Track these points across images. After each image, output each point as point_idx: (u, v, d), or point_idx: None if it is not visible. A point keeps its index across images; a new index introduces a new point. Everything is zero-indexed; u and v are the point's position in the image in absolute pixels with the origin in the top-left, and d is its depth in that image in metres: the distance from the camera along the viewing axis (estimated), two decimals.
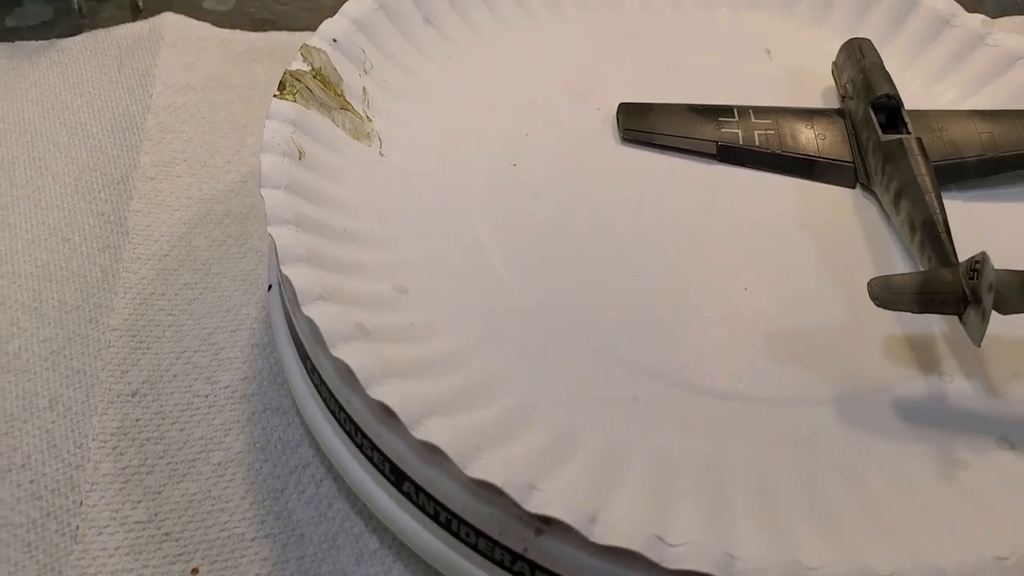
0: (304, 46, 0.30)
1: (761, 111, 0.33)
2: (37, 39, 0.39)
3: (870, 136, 0.31)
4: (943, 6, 0.37)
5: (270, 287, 0.28)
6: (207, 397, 0.27)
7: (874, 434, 0.24)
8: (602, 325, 0.26)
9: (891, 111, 0.31)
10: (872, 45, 0.34)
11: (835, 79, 0.35)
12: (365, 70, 0.31)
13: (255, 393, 0.27)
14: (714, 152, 0.31)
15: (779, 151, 0.31)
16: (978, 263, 0.24)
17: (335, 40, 0.31)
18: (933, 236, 0.27)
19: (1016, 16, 0.46)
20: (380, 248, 0.26)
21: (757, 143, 0.31)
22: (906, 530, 0.21)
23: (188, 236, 0.31)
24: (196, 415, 0.26)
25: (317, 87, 0.30)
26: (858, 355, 0.26)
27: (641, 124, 0.32)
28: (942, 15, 0.36)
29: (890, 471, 0.23)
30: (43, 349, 0.27)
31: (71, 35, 0.40)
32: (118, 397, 0.26)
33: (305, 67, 0.30)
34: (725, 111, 0.32)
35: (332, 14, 0.43)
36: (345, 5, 0.32)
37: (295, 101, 0.29)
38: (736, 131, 0.32)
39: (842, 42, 0.35)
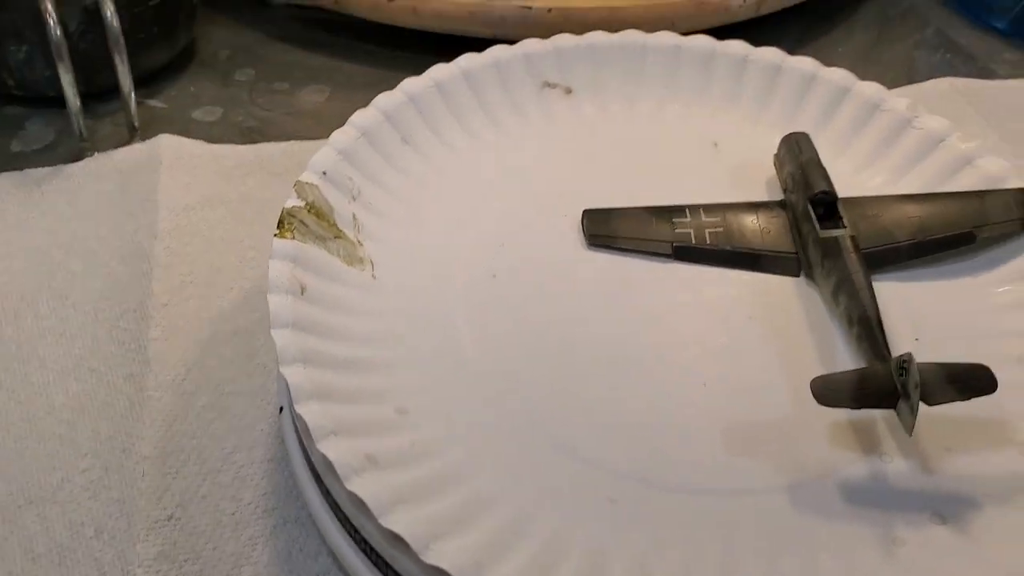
0: (298, 183, 0.34)
1: (710, 208, 0.36)
2: (43, 164, 0.43)
3: (810, 231, 0.34)
4: (872, 92, 0.40)
5: (281, 409, 0.31)
6: (233, 515, 0.30)
7: (823, 517, 0.27)
8: (580, 430, 0.29)
9: (828, 204, 0.35)
10: (809, 139, 0.37)
11: (777, 171, 0.38)
12: (353, 197, 0.35)
13: (275, 507, 0.30)
14: (670, 252, 0.35)
15: (728, 247, 0.35)
16: (905, 362, 0.27)
17: (324, 173, 0.34)
18: (868, 331, 0.30)
19: (942, 78, 0.50)
20: (380, 373, 0.30)
21: (708, 241, 0.35)
22: None
23: (202, 358, 0.34)
24: (225, 533, 0.29)
25: (312, 220, 0.33)
26: (806, 442, 0.29)
27: (604, 229, 0.35)
28: (872, 101, 0.40)
29: (839, 552, 0.26)
30: (83, 479, 0.30)
31: (74, 158, 0.43)
32: (156, 523, 0.29)
33: (300, 203, 0.33)
34: (678, 211, 0.36)
35: (311, 118, 0.47)
36: (332, 136, 0.36)
37: (293, 238, 0.32)
38: (689, 231, 0.35)
39: (782, 132, 0.39)
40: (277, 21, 0.55)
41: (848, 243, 0.33)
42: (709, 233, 0.35)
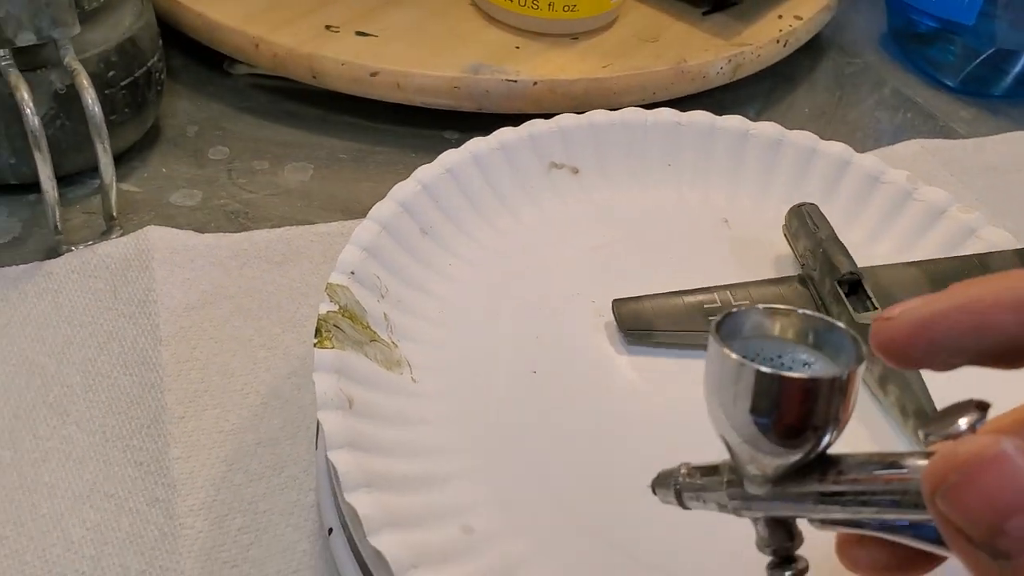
0: (329, 285, 0.32)
1: (736, 288, 0.36)
2: (15, 261, 0.40)
3: (841, 312, 0.34)
4: (870, 164, 0.41)
5: (331, 531, 0.30)
6: None
7: None
8: (638, 531, 0.28)
9: (854, 283, 0.35)
10: (819, 211, 0.38)
11: (789, 243, 0.38)
12: (382, 295, 0.33)
13: None
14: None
15: None
16: None
17: (353, 272, 0.33)
18: None
19: (912, 140, 0.52)
20: (440, 490, 0.29)
21: None
22: None
23: (229, 475, 0.32)
24: None
25: (347, 324, 0.32)
26: None
27: (639, 323, 0.34)
28: (872, 173, 0.41)
29: None
30: None
31: (49, 254, 0.40)
32: None
33: (333, 307, 0.32)
34: (706, 292, 0.36)
35: (299, 198, 0.45)
36: (355, 232, 0.34)
37: (332, 346, 0.30)
38: None
39: (789, 207, 0.39)
40: (240, 91, 0.53)
41: None
42: None
